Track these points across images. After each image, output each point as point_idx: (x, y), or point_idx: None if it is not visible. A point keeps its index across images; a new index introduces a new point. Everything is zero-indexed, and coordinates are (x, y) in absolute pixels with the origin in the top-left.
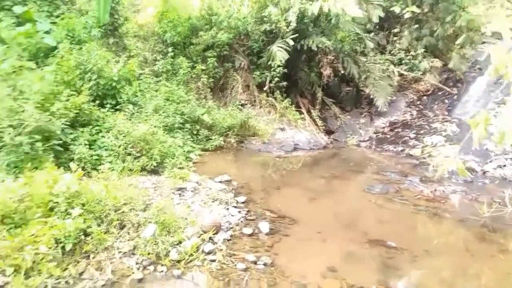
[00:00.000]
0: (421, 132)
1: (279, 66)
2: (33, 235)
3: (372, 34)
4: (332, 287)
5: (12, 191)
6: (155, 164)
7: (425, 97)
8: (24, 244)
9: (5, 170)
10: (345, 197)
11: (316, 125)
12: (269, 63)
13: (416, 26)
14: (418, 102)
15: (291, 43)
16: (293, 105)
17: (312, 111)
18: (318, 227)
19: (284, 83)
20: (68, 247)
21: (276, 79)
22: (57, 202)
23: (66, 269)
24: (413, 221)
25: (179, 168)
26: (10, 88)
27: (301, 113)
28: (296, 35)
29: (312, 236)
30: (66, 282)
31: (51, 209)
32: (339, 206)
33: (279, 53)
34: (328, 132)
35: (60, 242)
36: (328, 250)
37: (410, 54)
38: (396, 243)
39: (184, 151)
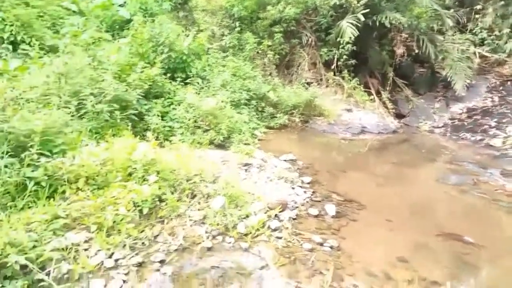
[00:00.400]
0: (504, 120)
1: (348, 43)
2: (113, 197)
3: (452, 10)
4: (403, 277)
5: (95, 155)
6: (222, 139)
7: (509, 83)
8: (105, 205)
9: (87, 135)
10: (416, 185)
11: (386, 107)
12: (337, 39)
13: (502, 3)
14: (501, 88)
15: (362, 18)
16: (362, 86)
17: (381, 92)
18: (387, 215)
19: (353, 62)
20: (145, 211)
21: (345, 57)
22: (135, 168)
23: (142, 231)
24: (493, 217)
25: (245, 144)
26: (90, 58)
27: (370, 94)
28: (368, 10)
29: (381, 223)
30: (143, 243)
31: (130, 174)
32: (410, 195)
33: (348, 29)
34: (399, 116)
35: (138, 206)
36: (398, 239)
37: (493, 34)
38: (474, 238)
39: (249, 128)
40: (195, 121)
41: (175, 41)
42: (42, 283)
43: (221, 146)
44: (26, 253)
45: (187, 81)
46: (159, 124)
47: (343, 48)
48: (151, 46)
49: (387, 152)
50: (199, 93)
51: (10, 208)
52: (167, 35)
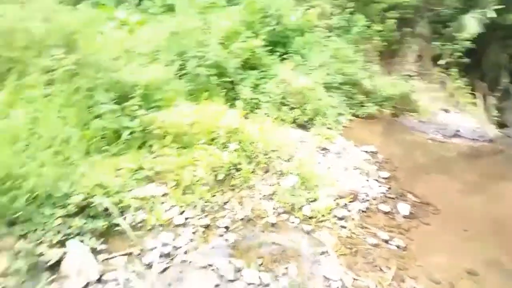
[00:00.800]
0: None
1: (467, 39)
2: (194, 158)
3: None
4: None
5: (186, 115)
6: (306, 119)
7: None
8: (186, 165)
9: (183, 96)
10: (504, 200)
11: (489, 114)
12: (454, 34)
13: None
14: None
15: (493, 15)
16: (469, 87)
17: (488, 97)
18: (464, 225)
19: (467, 60)
20: (220, 177)
21: (458, 53)
22: (218, 134)
23: (214, 195)
24: None
25: (328, 128)
26: (201, 21)
27: (474, 97)
28: (503, 6)
29: (456, 232)
30: (212, 207)
31: (213, 139)
32: (495, 208)
33: (472, 25)
34: (501, 125)
35: (215, 171)
36: (471, 251)
37: None
38: None
39: (335, 113)
40: (283, 98)
41: (284, 15)
42: (117, 228)
43: (302, 126)
44: (110, 196)
45: (285, 56)
46: (248, 96)
47: (458, 44)
48: (260, 17)
49: (479, 161)
50: (294, 70)
51: (104, 152)
52: (278, 7)
